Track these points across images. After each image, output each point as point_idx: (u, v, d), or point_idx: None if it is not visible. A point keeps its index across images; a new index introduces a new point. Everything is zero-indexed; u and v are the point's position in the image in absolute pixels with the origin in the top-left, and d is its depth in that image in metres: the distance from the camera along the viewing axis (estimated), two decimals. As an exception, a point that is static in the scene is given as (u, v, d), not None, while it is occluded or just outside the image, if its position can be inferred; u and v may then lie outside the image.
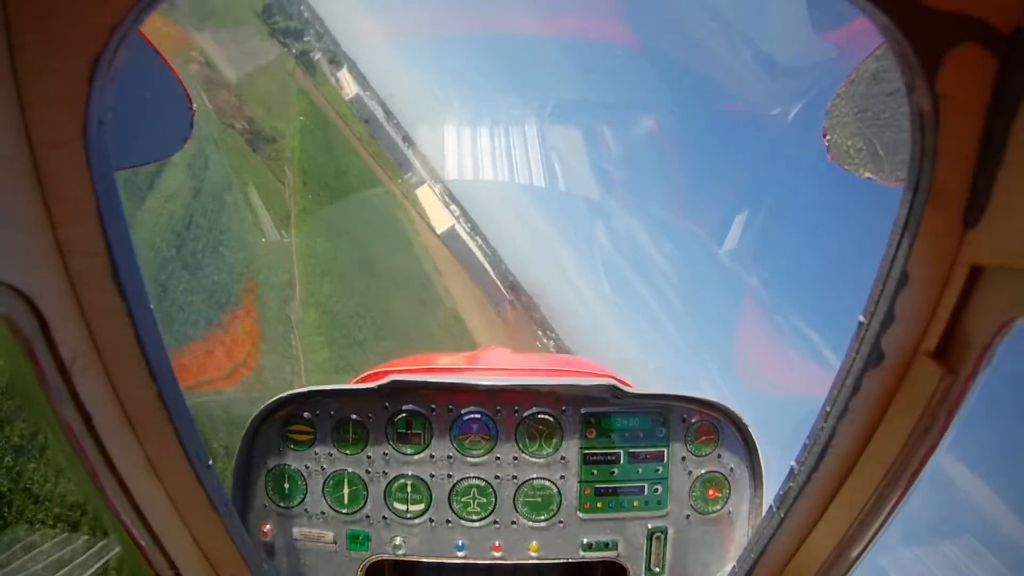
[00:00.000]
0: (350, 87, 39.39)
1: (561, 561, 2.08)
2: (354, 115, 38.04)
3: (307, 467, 2.05)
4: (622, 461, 2.07)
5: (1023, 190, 0.96)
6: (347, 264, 27.29)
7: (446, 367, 3.16)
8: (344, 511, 2.05)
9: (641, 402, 2.09)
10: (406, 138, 38.61)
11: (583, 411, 2.06)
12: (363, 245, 29.89)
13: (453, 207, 36.53)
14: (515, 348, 3.30)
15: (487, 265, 34.57)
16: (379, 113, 39.29)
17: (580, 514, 2.06)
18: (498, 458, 2.05)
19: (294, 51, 36.38)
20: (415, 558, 2.06)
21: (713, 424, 2.10)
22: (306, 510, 2.06)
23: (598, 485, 2.06)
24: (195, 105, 1.42)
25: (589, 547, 2.07)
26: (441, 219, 36.10)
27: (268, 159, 27.63)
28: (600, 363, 2.80)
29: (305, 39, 37.18)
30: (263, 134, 28.64)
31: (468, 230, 36.16)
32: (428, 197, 36.75)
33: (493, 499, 2.05)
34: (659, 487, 2.07)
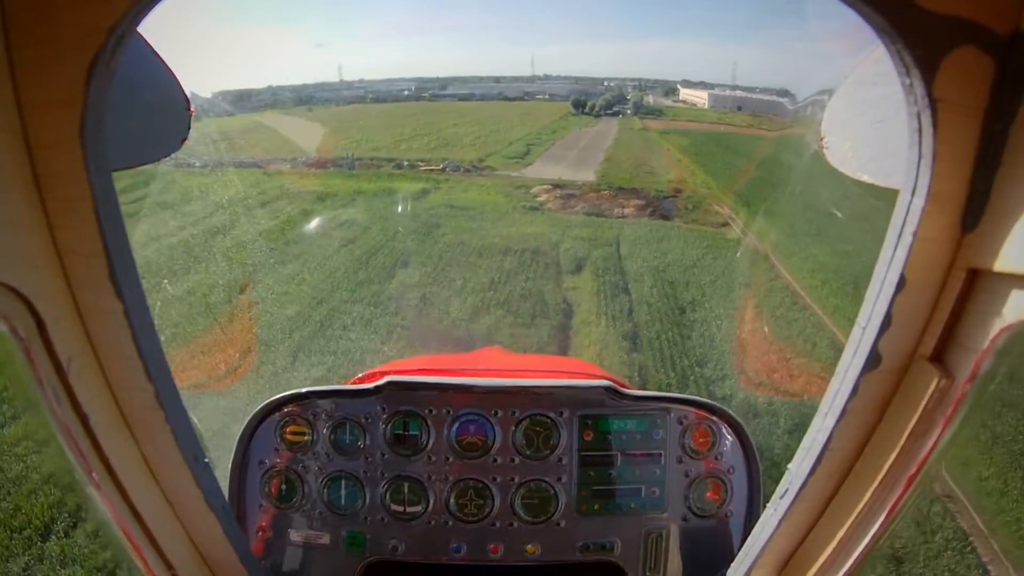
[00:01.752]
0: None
1: (559, 562, 2.08)
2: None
3: (304, 468, 2.05)
4: (619, 463, 2.07)
5: (1021, 194, 0.96)
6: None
7: (443, 368, 3.16)
8: (341, 512, 2.04)
9: (638, 404, 2.09)
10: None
11: (580, 413, 2.06)
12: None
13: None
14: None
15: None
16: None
17: (578, 516, 2.06)
18: (496, 460, 2.05)
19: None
20: (412, 560, 2.05)
21: (710, 426, 2.10)
22: (303, 511, 2.05)
23: (595, 487, 2.06)
24: (193, 107, 1.42)
25: (586, 548, 2.06)
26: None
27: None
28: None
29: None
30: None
31: None
32: None
33: (491, 501, 2.04)
34: (656, 489, 2.07)
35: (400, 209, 23.74)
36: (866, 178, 1.30)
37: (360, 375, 2.70)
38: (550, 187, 27.44)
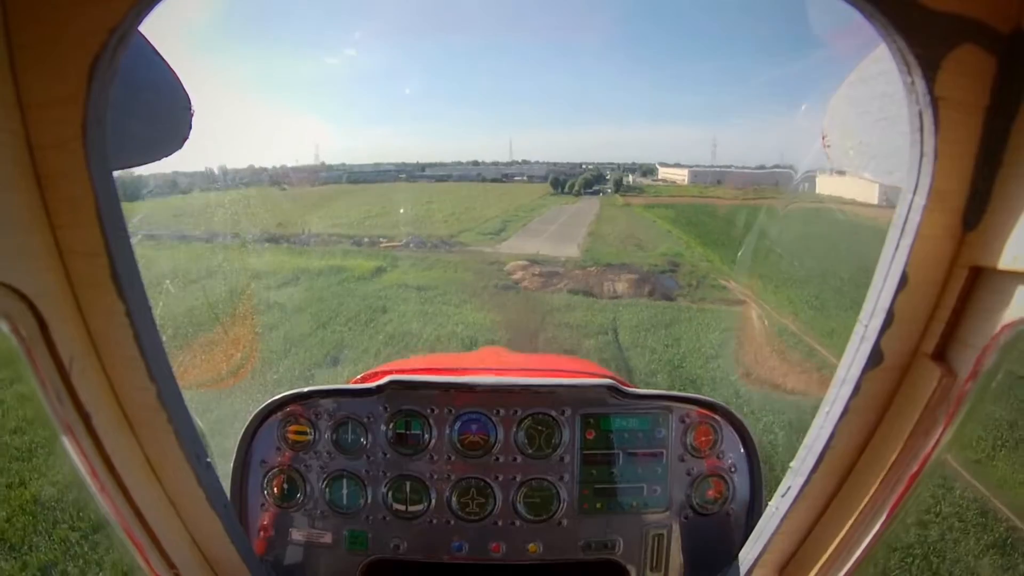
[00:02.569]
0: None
1: (560, 561, 2.08)
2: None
3: (306, 467, 2.05)
4: (621, 461, 2.07)
5: (1022, 192, 0.97)
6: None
7: (445, 368, 3.16)
8: (343, 511, 2.05)
9: (640, 403, 2.09)
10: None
11: (582, 412, 2.06)
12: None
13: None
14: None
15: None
16: None
17: (579, 514, 2.06)
18: (497, 458, 2.05)
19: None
20: (414, 558, 2.06)
21: (712, 424, 2.10)
22: (305, 510, 2.06)
23: (597, 485, 2.06)
24: (194, 107, 1.42)
25: (588, 547, 2.06)
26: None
27: None
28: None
29: None
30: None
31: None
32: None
33: (492, 500, 2.05)
34: (658, 487, 2.07)
35: (342, 290, 19.26)
36: (867, 176, 1.31)
37: (361, 375, 2.70)
38: (527, 263, 23.87)
